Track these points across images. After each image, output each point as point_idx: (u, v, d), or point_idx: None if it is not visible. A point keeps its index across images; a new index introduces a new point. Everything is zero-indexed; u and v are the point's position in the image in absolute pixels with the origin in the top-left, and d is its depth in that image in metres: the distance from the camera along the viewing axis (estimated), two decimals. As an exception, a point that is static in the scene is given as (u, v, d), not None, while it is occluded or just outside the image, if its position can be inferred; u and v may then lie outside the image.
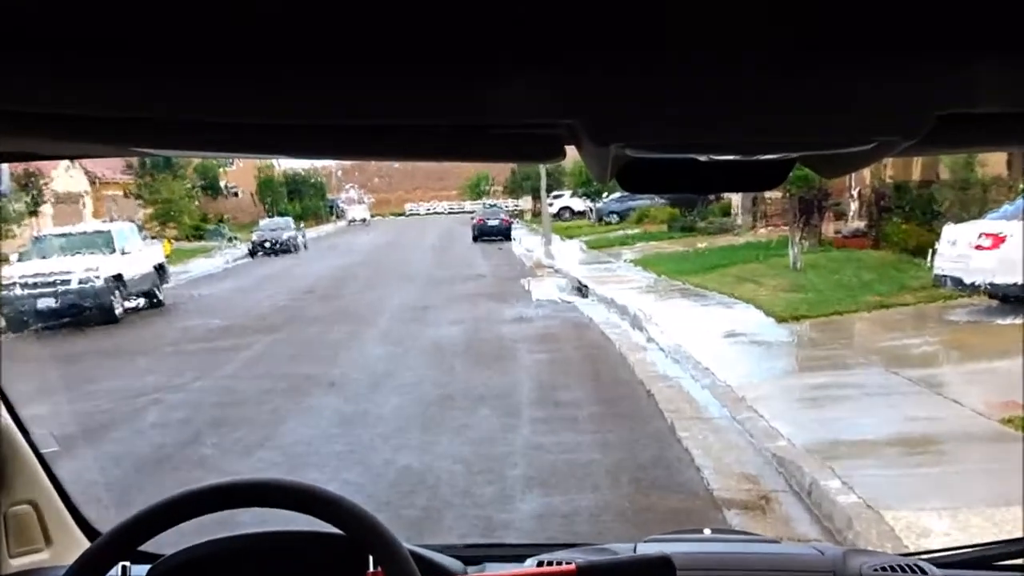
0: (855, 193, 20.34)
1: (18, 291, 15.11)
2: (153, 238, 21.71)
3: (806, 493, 6.03)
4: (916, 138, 0.72)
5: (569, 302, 15.83)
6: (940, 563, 1.69)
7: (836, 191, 20.07)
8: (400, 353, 11.78)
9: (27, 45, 0.62)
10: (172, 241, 25.38)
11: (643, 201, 31.01)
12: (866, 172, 17.58)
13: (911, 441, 6.92)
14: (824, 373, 9.39)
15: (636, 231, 28.62)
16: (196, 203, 31.76)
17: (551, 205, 35.43)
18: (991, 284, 11.29)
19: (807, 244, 18.14)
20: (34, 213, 22.09)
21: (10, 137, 0.92)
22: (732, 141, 0.75)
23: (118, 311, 15.72)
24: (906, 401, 8.08)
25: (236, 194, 38.82)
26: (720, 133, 0.72)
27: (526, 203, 42.90)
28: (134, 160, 26.51)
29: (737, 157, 0.82)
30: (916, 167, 17.97)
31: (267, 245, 28.02)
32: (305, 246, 29.78)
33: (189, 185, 30.81)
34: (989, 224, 12.27)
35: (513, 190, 44.65)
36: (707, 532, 1.78)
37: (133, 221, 22.10)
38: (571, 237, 29.62)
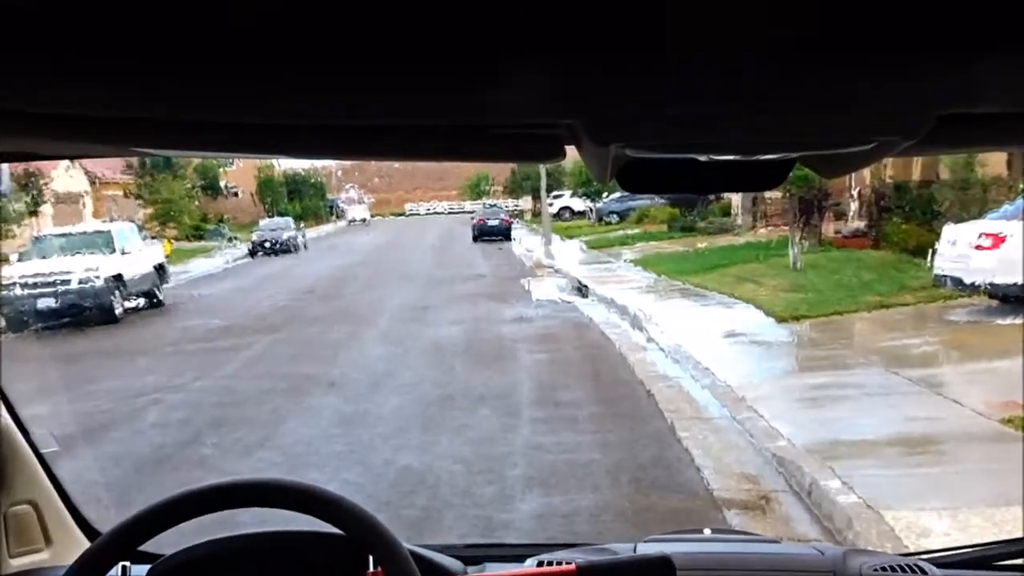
0: (855, 193, 20.34)
1: (18, 291, 15.11)
2: (153, 238, 21.72)
3: (806, 493, 6.03)
4: (916, 138, 0.72)
5: (569, 302, 15.83)
6: (940, 563, 1.69)
7: (836, 191, 20.07)
8: (400, 353, 11.78)
9: (27, 45, 0.62)
10: (172, 241, 25.39)
11: (643, 201, 31.02)
12: (866, 172, 17.58)
13: (911, 441, 6.92)
14: (824, 373, 9.39)
15: (636, 231, 28.62)
16: (196, 203, 31.77)
17: (551, 205, 35.43)
18: (991, 284, 11.29)
19: (807, 244, 18.14)
20: (34, 213, 22.10)
21: (10, 137, 0.92)
22: (732, 141, 0.75)
23: (118, 311, 15.71)
24: (906, 401, 8.08)
25: (236, 194, 38.83)
26: (720, 133, 0.72)
27: (526, 203, 42.92)
28: (134, 160, 26.52)
29: (737, 157, 0.82)
30: (916, 167, 17.97)
31: (267, 245, 28.03)
32: (305, 246, 29.78)
33: (189, 185, 30.81)
34: (989, 224, 12.27)
35: (513, 190, 44.67)
36: (707, 532, 1.78)
37: (133, 221, 22.11)
38: (571, 237, 29.62)
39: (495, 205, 39.18)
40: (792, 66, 0.66)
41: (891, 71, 0.67)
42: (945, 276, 12.16)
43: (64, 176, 24.20)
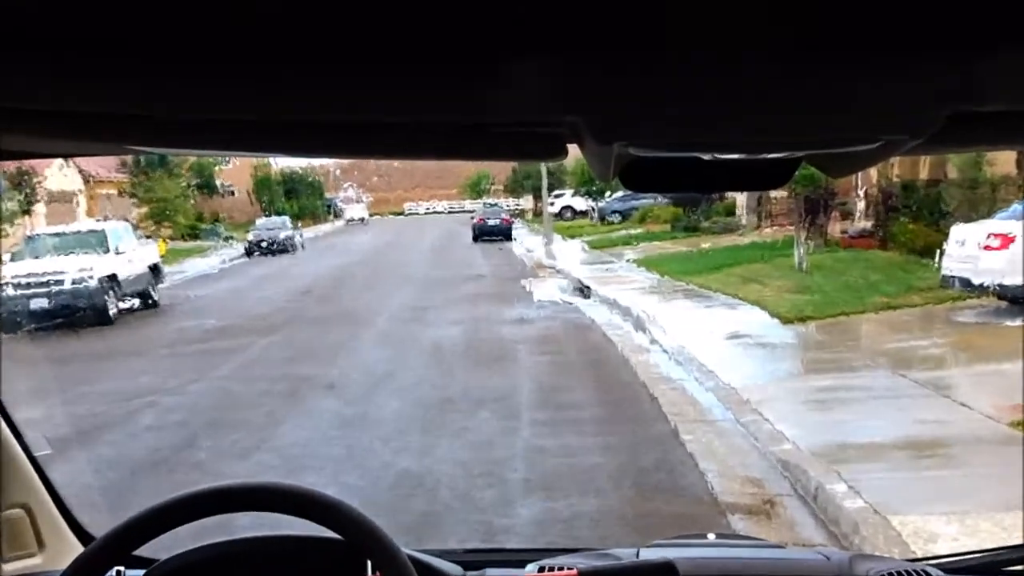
0: (861, 192, 20.34)
1: (10, 291, 15.12)
2: (148, 237, 21.73)
3: (812, 497, 6.02)
4: (924, 137, 0.72)
5: (571, 303, 15.83)
6: (948, 568, 1.69)
7: (842, 190, 20.07)
8: (399, 355, 11.79)
9: (27, 44, 0.62)
10: (167, 241, 25.41)
11: (646, 200, 31.02)
12: (873, 171, 17.58)
13: (919, 445, 6.92)
14: (830, 375, 9.39)
15: (639, 231, 28.63)
16: (191, 202, 31.79)
17: (552, 204, 35.44)
18: (1000, 285, 11.28)
19: (813, 244, 18.14)
20: (27, 212, 22.11)
21: (11, 135, 0.93)
22: (737, 140, 0.75)
23: (112, 312, 15.72)
24: (913, 404, 8.07)
25: (232, 193, 38.85)
26: (725, 132, 0.72)
27: (527, 202, 42.94)
28: (128, 158, 26.54)
29: (742, 156, 0.82)
30: (924, 166, 17.96)
31: (263, 245, 28.05)
32: (303, 246, 29.81)
33: (184, 184, 30.82)
34: (998, 224, 12.27)
35: (514, 189, 44.69)
36: (711, 537, 1.78)
37: (127, 220, 22.12)
38: (573, 237, 29.64)
39: (495, 204, 39.18)
40: (798, 64, 0.66)
41: (898, 69, 0.67)
42: (953, 277, 12.16)
43: (58, 175, 24.22)
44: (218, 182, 36.68)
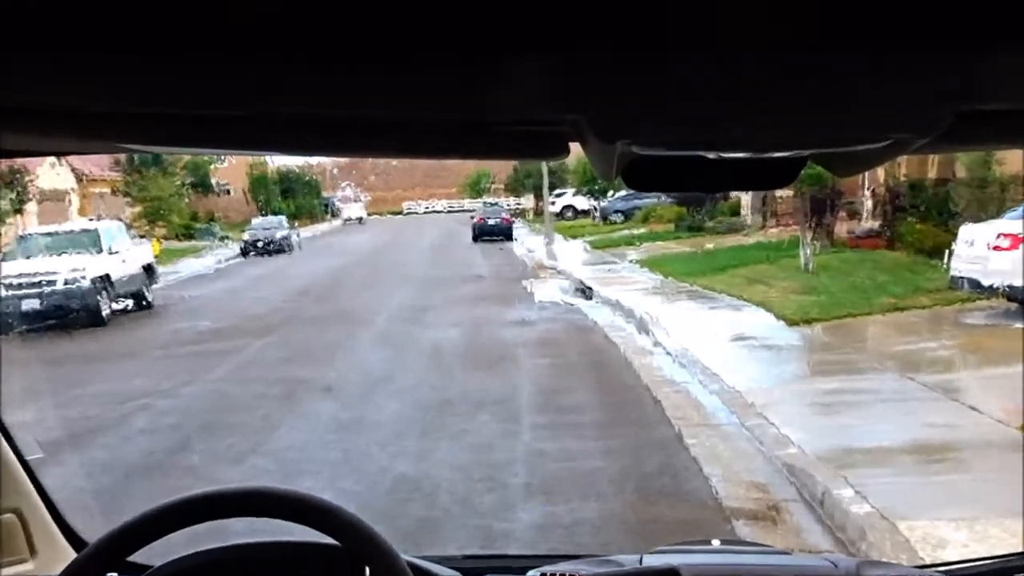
0: (868, 192, 20.34)
1: (2, 292, 15.11)
2: (142, 237, 21.73)
3: (818, 502, 6.02)
4: (932, 135, 0.72)
5: (572, 304, 15.83)
6: (957, 575, 1.69)
7: (849, 190, 20.06)
8: (397, 357, 11.79)
9: (27, 42, 0.63)
10: (161, 240, 25.41)
11: (649, 200, 31.01)
12: (880, 170, 17.57)
13: (927, 449, 6.91)
14: (837, 378, 9.38)
15: (642, 231, 28.62)
16: (186, 201, 31.79)
17: (553, 204, 35.43)
18: (1009, 286, 11.27)
19: (819, 245, 18.14)
20: (19, 211, 22.11)
21: (11, 134, 0.94)
22: (742, 138, 0.75)
23: (105, 313, 15.71)
24: (922, 407, 8.07)
25: (228, 191, 38.86)
26: (729, 130, 0.72)
27: (528, 201, 42.92)
28: (122, 156, 26.54)
29: (747, 155, 0.82)
30: (932, 165, 17.95)
31: (259, 245, 28.05)
32: (299, 246, 29.81)
33: (179, 182, 30.82)
34: (1007, 224, 12.25)
35: (515, 188, 44.66)
36: (716, 543, 1.78)
37: (121, 220, 22.13)
38: (574, 237, 29.63)
39: (496, 204, 39.13)
40: (804, 62, 0.66)
41: (905, 67, 0.66)
42: (962, 278, 12.15)
43: (50, 173, 24.22)
44: (214, 181, 36.68)
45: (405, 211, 49.34)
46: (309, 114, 0.74)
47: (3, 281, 15.31)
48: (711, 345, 11.07)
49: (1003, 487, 5.93)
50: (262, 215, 34.00)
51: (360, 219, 43.59)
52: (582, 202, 38.52)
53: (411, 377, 10.59)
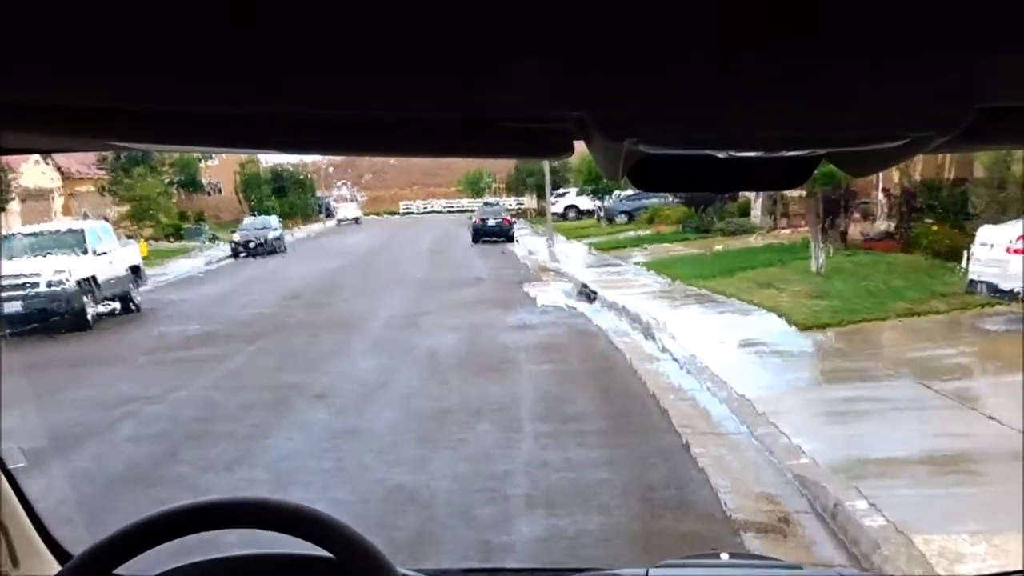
0: (882, 193, 20.34)
1: (-17, 294, 15.12)
2: (129, 237, 21.74)
3: (830, 515, 6.02)
4: (951, 133, 0.72)
5: (575, 308, 15.84)
6: (975, 591, 1.69)
7: (862, 190, 20.07)
8: (393, 363, 11.79)
9: (27, 41, 0.64)
10: (150, 241, 25.43)
11: (654, 200, 31.04)
12: (894, 170, 17.58)
13: (943, 460, 6.91)
14: (850, 386, 9.38)
15: (647, 232, 28.65)
16: (174, 200, 31.82)
17: (555, 204, 35.45)
18: (1029, 291, 11.28)
19: (831, 247, 18.15)
20: (1, 210, 22.13)
21: (11, 132, 0.95)
22: (753, 136, 0.74)
23: (90, 316, 15.71)
24: (938, 416, 8.07)
25: (219, 190, 38.90)
26: (741, 128, 0.72)
27: (530, 201, 42.94)
28: (108, 154, 26.57)
29: (758, 154, 0.82)
30: (949, 164, 17.96)
31: (251, 246, 28.07)
32: (294, 247, 29.84)
33: (167, 180, 30.85)
34: (1028, 226, 12.26)
35: (515, 187, 44.69)
36: (724, 557, 1.78)
37: (106, 219, 22.14)
38: (577, 238, 29.65)
39: (495, 203, 39.10)
40: (818, 57, 0.66)
41: (925, 61, 0.66)
42: (980, 282, 12.15)
43: (34, 170, 24.25)
44: (204, 179, 36.71)
45: (402, 211, 49.40)
46: (310, 113, 0.74)
47: (-16, 283, 15.32)
48: (719, 351, 11.07)
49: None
50: (254, 215, 34.02)
51: (356, 219, 43.64)
52: (585, 202, 38.56)
53: (407, 384, 10.59)
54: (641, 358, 11.34)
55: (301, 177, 43.76)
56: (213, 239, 30.29)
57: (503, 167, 43.85)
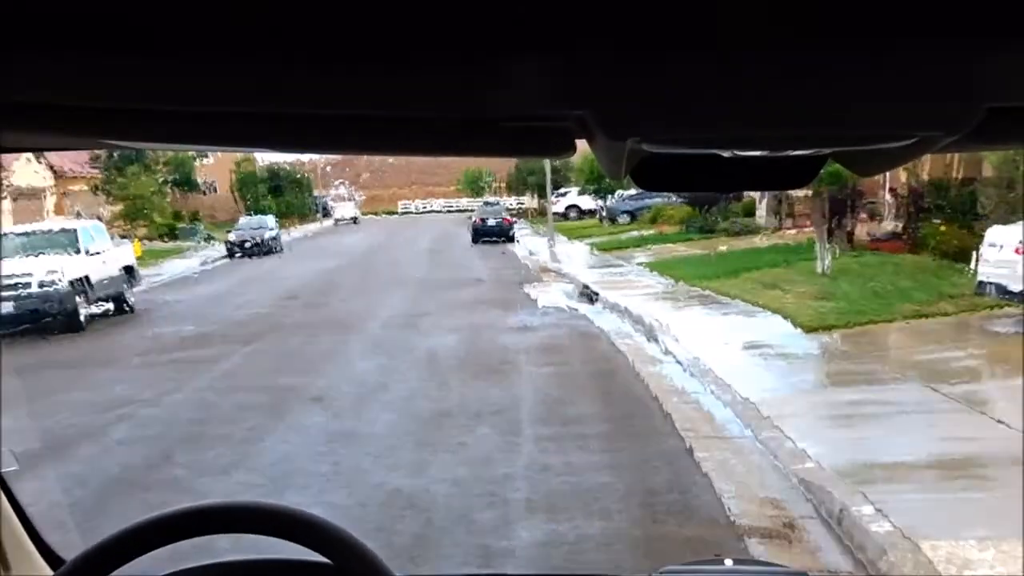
0: (889, 192, 20.34)
1: (-26, 295, 15.12)
2: (123, 237, 21.74)
3: (836, 520, 6.02)
4: (961, 132, 0.71)
5: (577, 310, 15.84)
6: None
7: (869, 190, 20.08)
8: (391, 365, 11.79)
9: (27, 41, 0.64)
10: (144, 241, 25.43)
11: (657, 200, 31.04)
12: (901, 169, 17.58)
13: (951, 464, 6.91)
14: (856, 389, 9.38)
15: (650, 232, 28.65)
16: (168, 199, 31.82)
17: (556, 203, 35.43)
18: (1040, 292, 11.29)
19: (837, 248, 18.16)
20: (-8, 209, 22.15)
21: (11, 132, 0.95)
22: (759, 135, 0.74)
23: (83, 317, 15.70)
24: (946, 420, 8.07)
25: (214, 189, 38.90)
26: (746, 126, 0.71)
27: (530, 201, 42.93)
28: (102, 153, 26.58)
29: (764, 153, 0.81)
30: (957, 164, 17.96)
31: (246, 245, 28.06)
32: (290, 247, 29.85)
33: (161, 179, 30.85)
34: (1038, 226, 12.27)
35: (516, 187, 44.67)
36: (728, 563, 1.78)
37: (100, 219, 22.15)
38: (579, 238, 29.65)
39: (495, 203, 39.08)
40: (825, 54, 0.66)
41: (933, 58, 0.66)
42: (988, 283, 12.16)
43: (26, 169, 24.24)
44: (199, 178, 36.71)
45: (401, 210, 49.37)
46: (310, 112, 0.74)
47: (-26, 284, 15.32)
48: (723, 353, 11.07)
49: (1032, 505, 5.93)
50: (249, 214, 34.00)
51: (354, 219, 43.62)
52: (587, 202, 38.53)
53: (406, 387, 10.60)
54: (644, 360, 11.34)
55: (298, 176, 43.73)
56: (208, 239, 30.28)
57: (503, 166, 43.84)
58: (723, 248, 22.36)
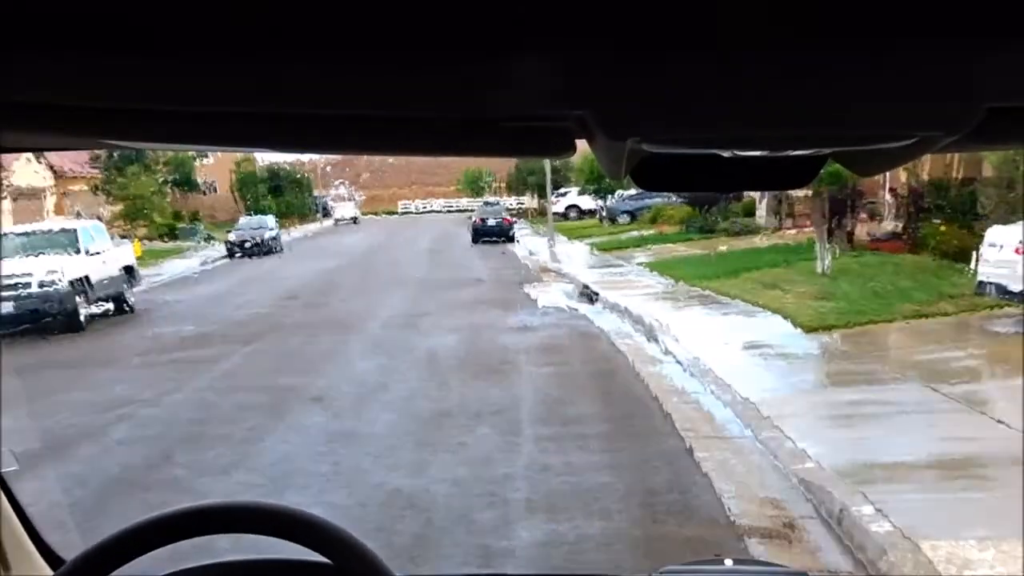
0: (889, 192, 20.35)
1: (-27, 295, 15.12)
2: (123, 237, 21.74)
3: (836, 520, 6.02)
4: (961, 132, 0.71)
5: (577, 310, 15.84)
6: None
7: (869, 190, 20.07)
8: (391, 365, 11.79)
9: (27, 41, 0.64)
10: (144, 241, 25.43)
11: (657, 200, 31.05)
12: (901, 169, 17.58)
13: (951, 464, 6.91)
14: (856, 389, 9.38)
15: (650, 232, 28.65)
16: (168, 199, 31.82)
17: (556, 203, 35.43)
18: (1040, 292, 11.29)
19: (837, 248, 18.16)
20: (-8, 209, 22.15)
21: (11, 131, 0.95)
22: (759, 135, 0.74)
23: (83, 317, 15.70)
24: (946, 420, 8.07)
25: (214, 189, 38.90)
26: (744, 127, 0.71)
27: (530, 201, 42.92)
28: (102, 153, 26.58)
29: (764, 153, 0.81)
30: (957, 164, 17.96)
31: (246, 246, 28.06)
32: (290, 247, 29.85)
33: (161, 179, 30.85)
34: (1038, 226, 12.27)
35: (516, 187, 44.67)
36: (728, 563, 1.78)
37: (100, 219, 22.15)
38: (579, 238, 29.65)
39: (495, 203, 39.07)
40: (822, 55, 0.66)
41: (933, 58, 0.66)
42: (989, 283, 12.16)
43: (26, 169, 24.23)
44: (199, 178, 36.71)
45: (401, 210, 49.36)
46: (310, 112, 0.75)
47: (-26, 284, 15.31)
48: (723, 353, 11.07)
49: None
50: (249, 214, 34.00)
51: (354, 219, 43.62)
52: (587, 202, 38.53)
53: (406, 387, 10.60)
54: (644, 360, 11.34)
55: (298, 176, 43.73)
56: (208, 239, 30.28)
57: (503, 166, 43.83)
58: (723, 248, 22.36)
